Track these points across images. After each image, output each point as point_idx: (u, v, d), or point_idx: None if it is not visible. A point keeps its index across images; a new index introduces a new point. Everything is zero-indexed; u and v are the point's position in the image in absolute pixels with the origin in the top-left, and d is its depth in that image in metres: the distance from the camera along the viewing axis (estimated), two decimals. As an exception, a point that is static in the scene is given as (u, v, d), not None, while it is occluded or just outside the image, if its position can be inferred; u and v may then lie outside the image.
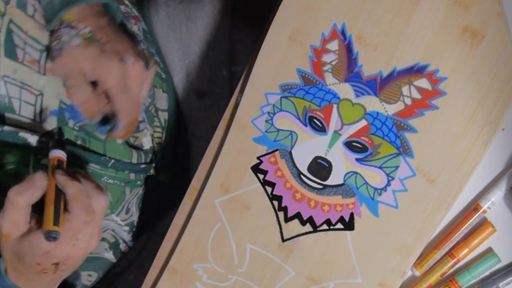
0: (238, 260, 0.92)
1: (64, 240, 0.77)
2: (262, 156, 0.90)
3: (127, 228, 1.04)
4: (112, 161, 0.96)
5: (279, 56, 0.87)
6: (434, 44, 0.81)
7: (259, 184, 0.90)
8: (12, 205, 0.76)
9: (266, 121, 0.89)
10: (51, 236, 0.74)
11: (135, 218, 1.04)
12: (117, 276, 1.14)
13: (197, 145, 1.16)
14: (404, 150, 0.84)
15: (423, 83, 0.82)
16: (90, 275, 1.04)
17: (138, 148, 1.02)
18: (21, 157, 0.88)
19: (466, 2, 0.79)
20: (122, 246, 1.05)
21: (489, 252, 0.85)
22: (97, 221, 0.80)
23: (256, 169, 0.90)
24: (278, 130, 0.89)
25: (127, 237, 1.04)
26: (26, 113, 0.87)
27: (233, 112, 0.91)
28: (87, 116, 0.90)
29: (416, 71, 0.82)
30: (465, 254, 0.86)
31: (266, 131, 0.89)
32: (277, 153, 0.89)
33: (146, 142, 1.03)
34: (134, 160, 1.00)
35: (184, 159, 1.16)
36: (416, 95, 0.82)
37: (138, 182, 1.03)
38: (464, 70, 0.80)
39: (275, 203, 0.90)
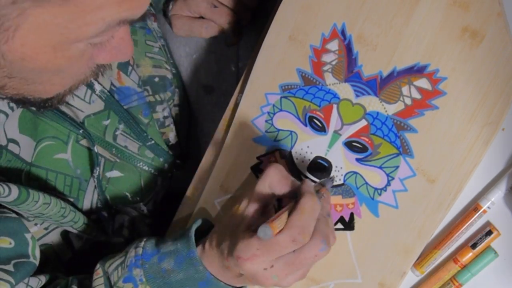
0: (238, 260, 0.92)
1: (261, 253, 0.74)
2: (262, 156, 0.90)
3: (149, 220, 1.03)
4: (152, 141, 0.98)
5: (279, 56, 0.87)
6: (434, 44, 0.81)
7: (259, 184, 0.90)
8: (264, 175, 0.79)
9: (266, 121, 0.89)
10: (262, 231, 0.71)
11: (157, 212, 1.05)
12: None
13: (206, 141, 1.16)
14: (404, 150, 0.84)
15: (423, 83, 0.82)
16: None
17: (166, 143, 1.03)
18: (61, 134, 0.88)
19: (466, 2, 0.79)
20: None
21: (486, 248, 0.85)
22: (300, 261, 0.76)
23: (256, 169, 0.90)
24: (278, 130, 0.89)
25: (146, 230, 1.03)
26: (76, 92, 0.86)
27: (233, 112, 0.91)
28: None
29: (416, 71, 0.82)
30: (469, 259, 0.85)
31: (266, 131, 0.89)
32: (277, 153, 0.89)
33: (173, 137, 1.05)
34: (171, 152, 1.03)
35: (195, 154, 1.16)
36: (416, 95, 0.82)
37: (169, 174, 1.03)
38: (464, 70, 0.80)
39: (275, 203, 0.89)
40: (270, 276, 0.76)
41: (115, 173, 0.96)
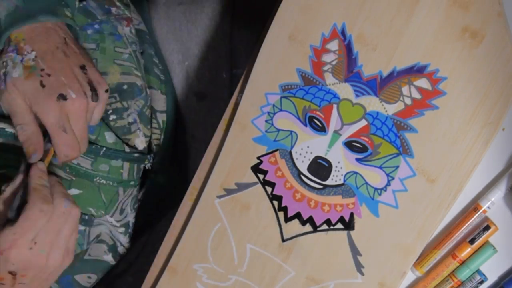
0: (238, 260, 0.92)
1: (19, 235, 0.77)
2: (262, 156, 0.90)
3: (122, 229, 1.04)
4: (104, 148, 0.97)
5: (279, 56, 0.87)
6: (434, 44, 0.81)
7: (259, 184, 0.90)
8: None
9: (266, 121, 0.89)
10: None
11: (130, 218, 1.05)
12: (117, 278, 1.14)
13: (196, 147, 1.16)
14: (404, 150, 0.84)
15: (423, 83, 0.82)
16: (89, 277, 1.04)
17: (133, 148, 1.02)
18: (13, 161, 0.89)
19: (466, 2, 0.79)
20: (120, 249, 1.05)
21: (485, 243, 0.85)
22: (56, 225, 0.80)
23: (256, 169, 0.90)
24: (278, 130, 0.89)
25: (123, 239, 1.04)
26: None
27: (233, 112, 0.91)
28: (27, 154, 0.86)
29: (416, 71, 0.82)
30: (468, 254, 0.86)
31: (266, 131, 0.89)
32: (277, 153, 0.89)
33: (139, 143, 1.03)
34: (127, 150, 1.01)
35: (183, 160, 1.16)
36: (416, 95, 0.82)
37: (132, 182, 1.02)
38: (464, 70, 0.80)
39: (275, 203, 0.90)
40: (38, 252, 0.78)
41: (74, 191, 0.97)
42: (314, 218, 0.88)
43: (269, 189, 0.90)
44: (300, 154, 0.88)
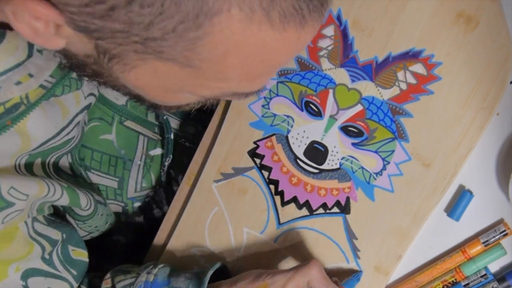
0: (235, 244, 0.93)
1: None
2: (259, 140, 0.90)
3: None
4: (194, 112, 0.98)
5: (276, 41, 0.87)
6: (429, 30, 0.81)
7: (255, 168, 0.91)
8: (304, 272, 0.82)
9: (263, 106, 0.89)
10: None
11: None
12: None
13: None
14: (399, 134, 0.84)
15: (418, 68, 0.82)
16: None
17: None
18: (106, 115, 0.92)
19: (461, -13, 0.79)
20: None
21: (496, 243, 0.85)
22: None
23: (252, 153, 0.91)
24: (275, 115, 0.89)
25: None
26: None
27: (230, 97, 0.92)
28: None
29: (411, 56, 0.82)
30: (477, 252, 0.85)
31: (262, 116, 0.90)
32: (273, 137, 0.90)
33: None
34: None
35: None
36: (411, 80, 0.83)
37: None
38: (459, 55, 0.81)
39: (272, 187, 0.90)
40: None
41: (158, 151, 0.99)
42: (310, 202, 0.89)
43: (265, 173, 0.90)
44: (297, 138, 0.88)
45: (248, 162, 0.91)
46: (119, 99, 0.93)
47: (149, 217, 1.02)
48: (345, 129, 0.86)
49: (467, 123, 0.82)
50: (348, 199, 0.88)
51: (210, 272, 0.84)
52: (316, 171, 0.88)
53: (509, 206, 0.84)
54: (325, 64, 0.86)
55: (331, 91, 0.86)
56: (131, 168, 0.96)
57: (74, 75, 0.76)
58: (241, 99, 0.69)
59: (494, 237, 0.84)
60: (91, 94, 0.82)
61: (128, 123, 0.95)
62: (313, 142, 0.88)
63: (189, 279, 0.84)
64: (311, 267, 0.82)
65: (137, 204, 1.00)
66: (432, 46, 0.81)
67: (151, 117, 0.97)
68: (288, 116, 0.88)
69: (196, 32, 0.53)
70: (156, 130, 0.98)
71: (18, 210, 0.73)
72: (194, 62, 0.56)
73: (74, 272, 0.84)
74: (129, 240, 1.07)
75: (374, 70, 0.84)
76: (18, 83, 0.69)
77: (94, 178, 0.94)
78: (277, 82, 0.88)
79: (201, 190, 0.93)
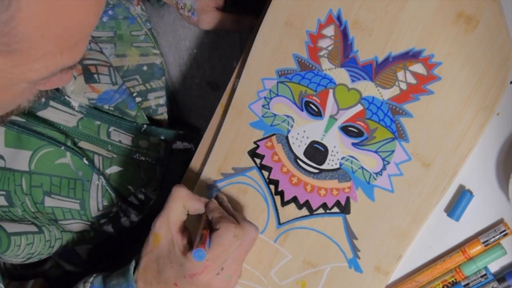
0: (236, 243, 0.93)
1: (212, 261, 0.79)
2: (259, 140, 0.90)
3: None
4: (144, 126, 1.00)
5: (276, 42, 0.87)
6: (429, 30, 0.81)
7: (256, 168, 0.91)
8: (172, 198, 0.81)
9: (263, 106, 0.89)
10: (198, 255, 0.75)
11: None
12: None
13: None
14: (399, 134, 0.84)
15: (418, 68, 0.82)
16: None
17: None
18: (56, 140, 0.93)
19: (461, -13, 0.79)
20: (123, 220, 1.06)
21: (496, 243, 0.85)
22: (244, 248, 0.81)
23: (253, 153, 0.91)
24: (275, 115, 0.89)
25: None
26: None
27: (230, 97, 0.92)
28: None
29: (411, 56, 0.82)
30: (477, 252, 0.85)
31: (262, 116, 0.90)
32: (273, 137, 0.90)
33: (165, 125, 1.06)
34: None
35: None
36: (411, 80, 0.83)
37: (166, 161, 1.05)
38: (459, 55, 0.81)
39: (272, 187, 0.90)
40: (224, 278, 0.80)
41: (114, 169, 0.99)
42: (310, 202, 0.89)
43: (265, 173, 0.90)
44: (297, 138, 0.88)
45: (248, 162, 0.91)
46: (69, 121, 0.95)
47: (117, 227, 1.02)
48: (345, 129, 0.86)
49: (467, 123, 0.82)
50: (348, 199, 0.88)
51: (133, 263, 0.85)
52: (316, 171, 0.88)
53: (509, 206, 0.84)
54: (325, 64, 0.86)
55: (331, 91, 0.86)
56: (89, 189, 0.97)
57: None
58: (69, 77, 0.68)
59: (494, 237, 0.84)
60: None
61: (82, 143, 0.96)
62: (313, 142, 0.88)
63: (119, 274, 0.85)
64: (174, 194, 0.83)
65: (103, 221, 1.00)
66: (432, 46, 0.81)
67: (103, 135, 0.98)
68: (288, 116, 0.89)
69: (6, 13, 0.53)
70: (110, 148, 0.98)
71: None
72: (14, 46, 0.56)
73: None
74: (98, 248, 1.08)
75: (374, 70, 0.84)
76: None
77: (56, 202, 0.95)
78: (277, 82, 0.88)
79: (201, 190, 0.93)
